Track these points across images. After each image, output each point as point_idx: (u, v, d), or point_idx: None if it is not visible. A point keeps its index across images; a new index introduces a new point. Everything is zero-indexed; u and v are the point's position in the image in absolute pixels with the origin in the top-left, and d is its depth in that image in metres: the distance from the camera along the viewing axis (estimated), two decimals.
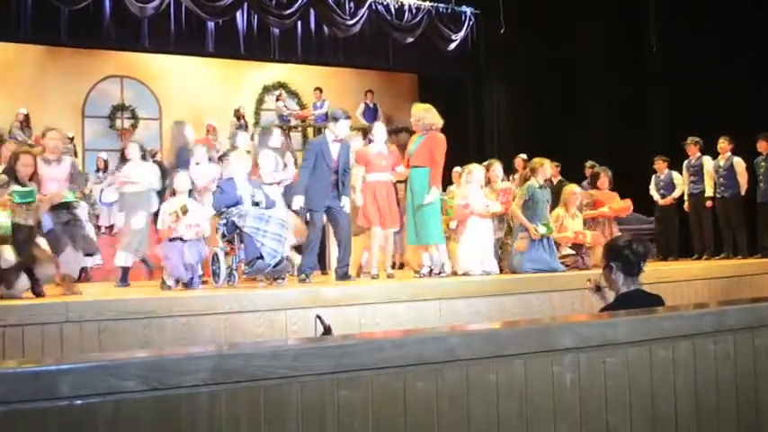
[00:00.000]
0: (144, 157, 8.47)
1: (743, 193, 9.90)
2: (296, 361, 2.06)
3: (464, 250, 7.73)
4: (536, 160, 8.25)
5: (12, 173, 6.39)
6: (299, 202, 7.25)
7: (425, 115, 7.70)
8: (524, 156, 10.07)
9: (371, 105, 15.15)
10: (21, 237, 6.06)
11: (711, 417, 2.73)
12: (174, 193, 7.25)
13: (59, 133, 7.15)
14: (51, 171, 6.75)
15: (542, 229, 7.77)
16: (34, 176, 6.55)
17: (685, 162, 10.50)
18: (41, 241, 6.37)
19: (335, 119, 7.43)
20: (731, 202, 9.93)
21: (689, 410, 2.69)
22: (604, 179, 9.03)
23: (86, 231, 6.98)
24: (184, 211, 6.84)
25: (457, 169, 8.67)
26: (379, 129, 7.79)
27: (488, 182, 8.65)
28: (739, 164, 9.90)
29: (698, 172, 10.30)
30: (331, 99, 14.94)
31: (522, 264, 7.71)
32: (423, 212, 7.49)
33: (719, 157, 10.11)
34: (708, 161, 10.21)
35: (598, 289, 4.06)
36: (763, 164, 9.78)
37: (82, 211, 7.30)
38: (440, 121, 7.86)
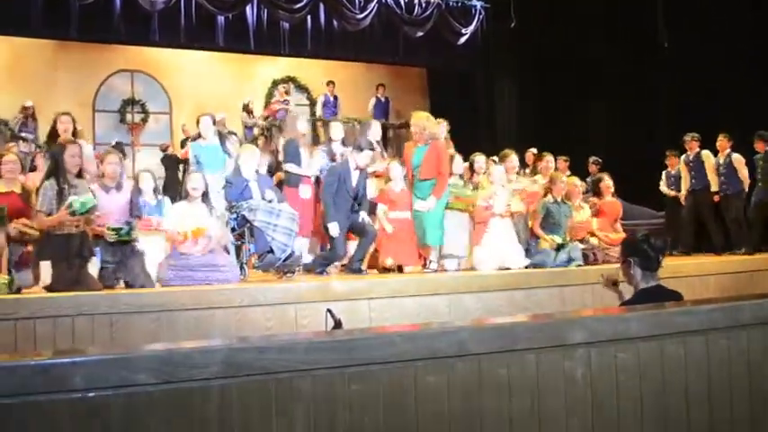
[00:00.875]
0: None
1: (746, 189, 9.85)
2: (307, 354, 2.06)
3: (483, 250, 7.70)
4: (552, 175, 8.37)
5: (58, 168, 5.80)
6: (334, 229, 7.20)
7: (428, 125, 7.75)
8: (534, 150, 10.04)
9: (383, 99, 15.15)
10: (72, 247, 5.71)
11: (724, 413, 2.72)
12: (187, 195, 6.71)
13: (118, 155, 6.59)
14: (110, 198, 6.24)
15: (558, 240, 7.81)
16: (82, 171, 6.00)
17: (683, 157, 10.44)
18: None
19: (360, 148, 7.50)
20: (734, 198, 9.88)
21: (701, 406, 2.68)
22: (607, 185, 8.95)
23: (143, 265, 6.26)
24: (197, 236, 6.40)
25: (479, 161, 8.56)
26: (396, 167, 7.77)
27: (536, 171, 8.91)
28: (738, 160, 9.84)
29: (698, 167, 10.23)
30: (341, 93, 14.95)
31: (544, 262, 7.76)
32: (425, 217, 7.57)
33: (719, 154, 10.05)
34: (708, 155, 10.14)
35: (614, 284, 4.05)
36: (761, 163, 9.73)
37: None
38: (442, 132, 8.12)
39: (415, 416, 2.19)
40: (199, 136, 8.37)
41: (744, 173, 9.81)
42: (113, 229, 5.97)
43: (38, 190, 5.84)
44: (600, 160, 10.82)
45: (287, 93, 15.07)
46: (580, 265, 7.68)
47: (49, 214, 5.66)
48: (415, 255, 7.62)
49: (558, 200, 8.07)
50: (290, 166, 7.94)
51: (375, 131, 8.66)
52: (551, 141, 10.25)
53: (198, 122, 8.42)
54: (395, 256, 7.53)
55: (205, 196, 6.64)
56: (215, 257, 6.46)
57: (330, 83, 14.88)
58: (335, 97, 14.86)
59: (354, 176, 7.46)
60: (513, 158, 8.67)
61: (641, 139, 11.80)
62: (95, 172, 6.82)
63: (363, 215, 7.48)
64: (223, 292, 5.73)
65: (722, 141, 9.99)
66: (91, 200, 5.70)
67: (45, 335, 4.94)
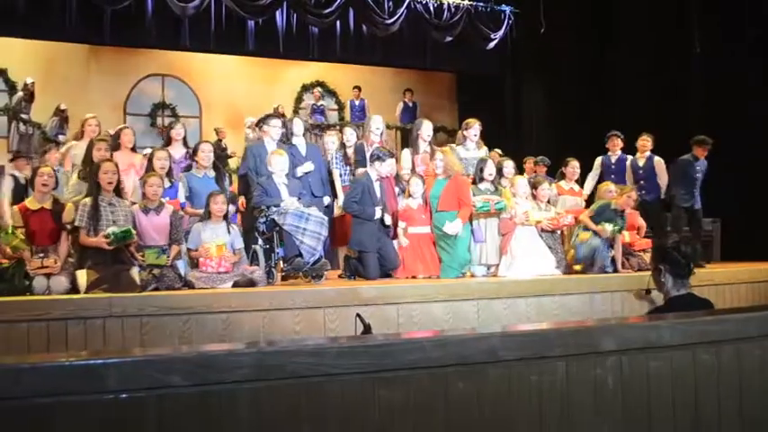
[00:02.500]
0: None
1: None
2: (338, 359, 2.06)
3: (509, 259, 7.70)
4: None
5: (94, 187, 6.14)
6: (378, 212, 7.42)
7: (453, 162, 7.81)
8: (499, 150, 9.94)
9: (410, 104, 15.15)
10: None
11: (756, 424, 2.69)
12: (209, 216, 6.79)
13: (159, 178, 6.64)
14: (149, 221, 6.42)
15: (609, 227, 7.74)
16: (120, 188, 6.28)
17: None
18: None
19: (380, 158, 7.57)
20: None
21: (733, 416, 2.65)
22: (631, 196, 8.88)
23: (178, 273, 6.40)
24: (221, 252, 6.54)
25: (507, 166, 8.55)
26: (417, 183, 7.78)
27: (563, 177, 8.93)
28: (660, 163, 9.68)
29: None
30: (369, 98, 14.98)
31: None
32: (451, 242, 7.58)
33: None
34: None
35: (647, 292, 4.02)
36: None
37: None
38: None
39: (445, 422, 2.18)
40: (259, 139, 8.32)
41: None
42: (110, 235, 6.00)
43: (77, 207, 6.13)
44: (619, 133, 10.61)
45: (321, 97, 15.17)
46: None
47: (87, 231, 5.99)
48: (437, 265, 7.62)
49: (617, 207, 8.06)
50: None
51: (426, 130, 8.65)
52: (578, 146, 10.18)
53: (292, 122, 8.59)
54: (419, 271, 7.52)
55: (225, 215, 6.84)
56: (240, 266, 6.68)
57: (356, 88, 14.92)
58: (363, 101, 14.91)
59: (377, 187, 7.53)
60: (575, 164, 8.76)
61: (672, 143, 11.67)
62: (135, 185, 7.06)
63: (394, 246, 7.57)
64: (252, 296, 5.77)
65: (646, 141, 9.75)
66: (130, 233, 5.99)
67: (76, 336, 5.00)
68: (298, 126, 8.39)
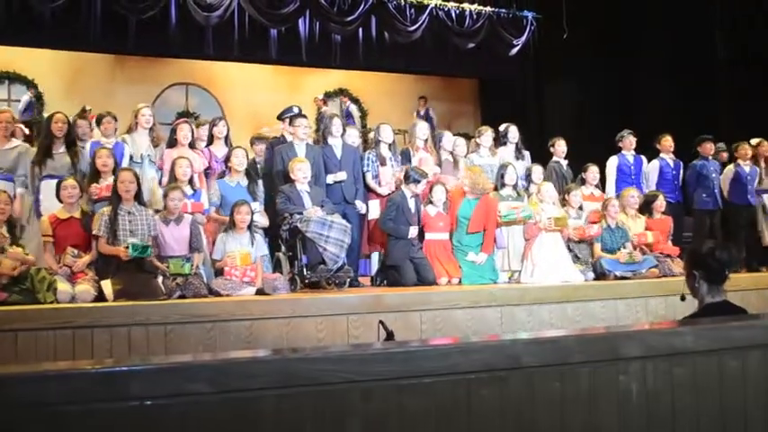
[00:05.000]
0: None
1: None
2: (361, 366, 2.07)
3: (531, 264, 7.68)
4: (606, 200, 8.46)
5: (113, 195, 6.26)
6: (414, 231, 7.50)
7: (481, 180, 7.80)
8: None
9: (422, 113, 15.11)
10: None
11: None
12: (233, 225, 6.79)
13: (180, 191, 6.62)
14: (170, 232, 6.51)
15: (624, 258, 7.88)
16: (139, 196, 6.36)
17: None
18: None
19: (416, 181, 7.62)
20: None
21: (760, 423, 2.62)
22: (660, 204, 8.81)
23: (202, 281, 6.42)
24: (246, 263, 6.59)
25: (536, 171, 8.58)
26: (440, 190, 7.78)
27: (583, 182, 8.95)
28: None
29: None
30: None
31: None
32: (477, 269, 7.65)
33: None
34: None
35: (681, 299, 3.97)
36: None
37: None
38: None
39: (468, 429, 2.18)
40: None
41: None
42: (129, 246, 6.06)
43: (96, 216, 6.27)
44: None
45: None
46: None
47: (106, 239, 6.15)
48: (458, 268, 7.61)
49: (612, 226, 8.06)
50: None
51: (447, 142, 8.69)
52: (602, 150, 10.12)
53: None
54: (441, 274, 7.53)
55: (249, 225, 6.84)
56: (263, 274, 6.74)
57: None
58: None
59: (412, 204, 7.59)
60: (594, 169, 8.81)
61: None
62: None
63: (429, 263, 7.53)
64: (275, 303, 5.79)
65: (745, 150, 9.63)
66: (148, 250, 6.07)
67: (102, 344, 5.05)
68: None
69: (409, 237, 7.46)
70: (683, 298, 3.85)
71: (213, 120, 8.27)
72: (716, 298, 3.49)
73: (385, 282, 7.61)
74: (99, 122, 7.72)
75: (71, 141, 7.10)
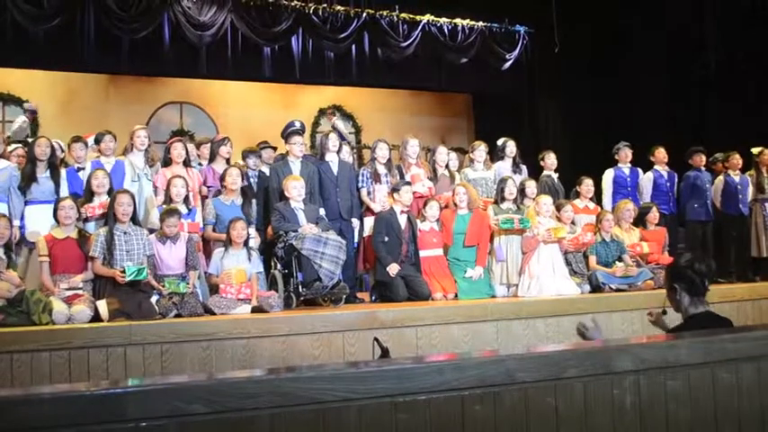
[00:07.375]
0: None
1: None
2: (356, 384, 2.08)
3: (527, 278, 7.70)
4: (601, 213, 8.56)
5: (109, 217, 6.37)
6: (394, 269, 7.42)
7: (472, 193, 7.94)
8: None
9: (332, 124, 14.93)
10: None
11: None
12: (231, 242, 6.89)
13: (177, 217, 6.71)
14: (167, 252, 6.62)
15: (620, 272, 7.95)
16: (135, 217, 6.50)
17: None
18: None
19: (396, 190, 7.68)
20: None
21: None
22: (654, 216, 8.84)
23: (197, 300, 6.47)
24: (240, 280, 6.65)
25: (530, 186, 8.62)
26: (434, 207, 7.81)
27: (577, 195, 9.02)
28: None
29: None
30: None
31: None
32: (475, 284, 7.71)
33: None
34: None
35: (663, 312, 3.98)
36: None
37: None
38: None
39: None
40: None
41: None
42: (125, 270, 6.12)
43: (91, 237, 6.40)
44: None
45: (333, 114, 15.16)
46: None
47: (102, 260, 6.26)
48: (453, 283, 7.62)
49: (607, 239, 8.11)
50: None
51: (441, 156, 8.73)
52: (595, 163, 10.16)
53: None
54: (436, 290, 7.53)
55: (245, 242, 6.91)
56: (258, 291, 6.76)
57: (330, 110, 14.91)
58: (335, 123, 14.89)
59: (402, 219, 7.58)
60: (589, 182, 8.92)
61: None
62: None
63: (422, 278, 7.53)
64: (271, 321, 5.79)
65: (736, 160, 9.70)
66: (145, 273, 6.15)
67: (98, 364, 5.05)
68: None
69: (389, 270, 7.41)
70: (664, 312, 3.87)
71: (222, 139, 8.25)
72: (699, 309, 3.52)
73: (374, 296, 7.62)
74: (98, 142, 7.75)
75: (53, 165, 7.17)
